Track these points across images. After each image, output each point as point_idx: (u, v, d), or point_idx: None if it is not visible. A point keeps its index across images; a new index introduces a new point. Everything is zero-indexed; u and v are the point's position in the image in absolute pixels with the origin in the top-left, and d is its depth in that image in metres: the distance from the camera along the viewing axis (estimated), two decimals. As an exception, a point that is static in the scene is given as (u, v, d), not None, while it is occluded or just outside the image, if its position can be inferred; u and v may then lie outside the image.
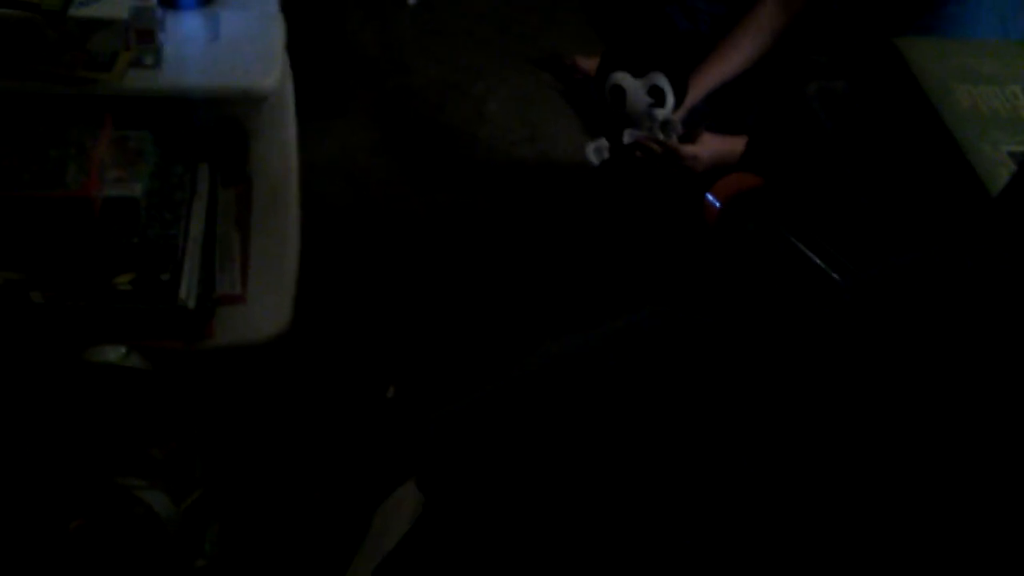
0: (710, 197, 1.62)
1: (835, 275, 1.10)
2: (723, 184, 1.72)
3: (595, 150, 2.03)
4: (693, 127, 2.04)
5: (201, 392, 1.42)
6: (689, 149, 2.00)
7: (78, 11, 1.22)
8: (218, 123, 1.44)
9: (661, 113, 2.08)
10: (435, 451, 0.77)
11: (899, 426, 0.48)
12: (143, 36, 1.30)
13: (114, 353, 1.29)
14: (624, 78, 2.15)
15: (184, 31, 1.37)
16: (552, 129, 2.27)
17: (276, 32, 1.41)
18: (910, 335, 0.50)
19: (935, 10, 1.75)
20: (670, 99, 2.09)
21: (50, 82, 1.28)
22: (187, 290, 1.31)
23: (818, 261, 1.12)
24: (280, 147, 1.55)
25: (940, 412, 0.47)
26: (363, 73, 2.28)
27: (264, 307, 1.42)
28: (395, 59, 2.36)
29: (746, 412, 0.53)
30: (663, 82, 2.09)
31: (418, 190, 2.08)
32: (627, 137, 2.02)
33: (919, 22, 1.77)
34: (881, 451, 0.48)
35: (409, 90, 2.29)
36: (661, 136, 2.00)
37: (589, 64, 2.35)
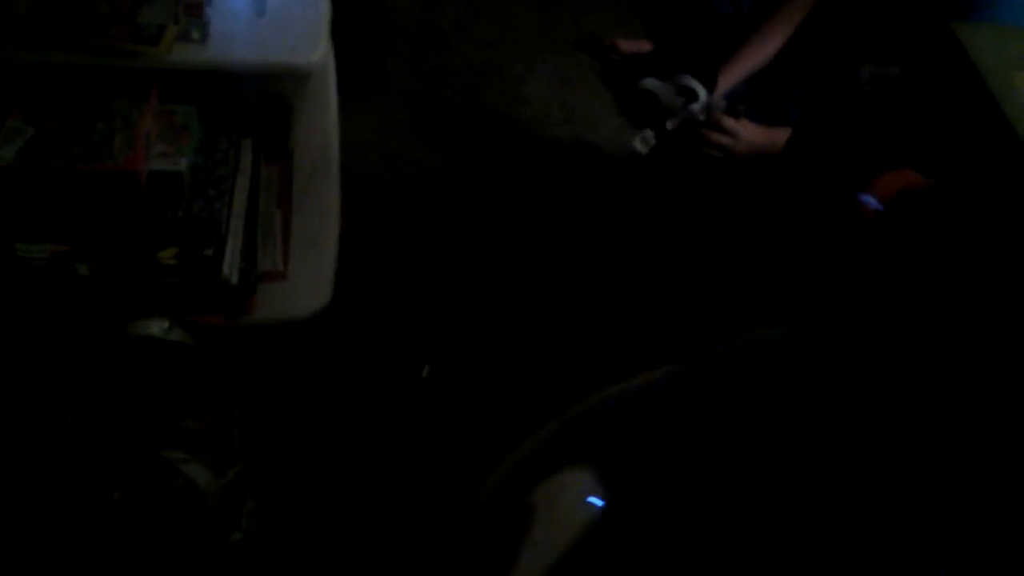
0: (867, 198, 1.58)
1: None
2: (882, 183, 1.68)
3: (642, 140, 2.05)
4: (733, 109, 2.03)
5: (241, 367, 1.42)
6: (730, 122, 1.99)
7: (128, -16, 1.22)
8: (262, 98, 1.44)
9: (696, 106, 2.09)
10: (616, 444, 0.76)
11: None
12: (191, 10, 1.30)
13: (157, 327, 1.29)
14: (652, 83, 2.18)
15: (231, 6, 1.37)
16: (590, 111, 2.26)
17: (322, 8, 1.40)
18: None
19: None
20: (702, 93, 2.10)
21: (99, 55, 1.28)
22: (230, 266, 1.31)
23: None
24: (322, 124, 1.55)
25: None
26: (402, 52, 2.28)
27: (304, 284, 1.42)
28: (434, 38, 2.35)
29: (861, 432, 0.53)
30: (691, 81, 2.10)
31: (455, 170, 2.08)
32: (670, 124, 2.04)
33: (956, 6, 1.75)
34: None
35: (448, 70, 2.28)
36: (702, 118, 2.01)
37: (628, 46, 2.34)
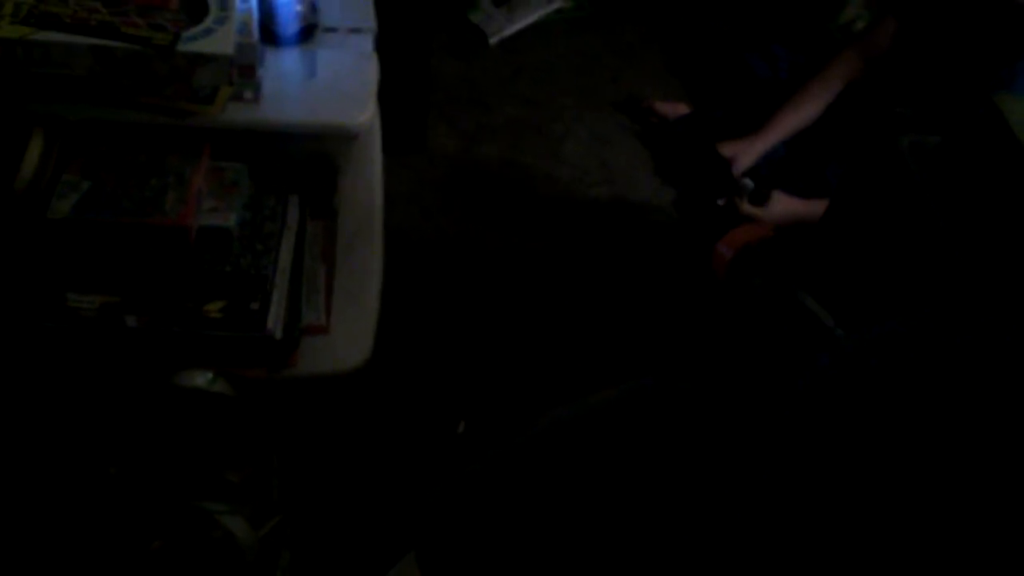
0: (721, 247, 1.59)
1: (839, 331, 1.07)
2: (734, 235, 1.70)
3: (672, 203, 2.07)
4: (766, 185, 2.04)
5: (281, 420, 1.44)
6: (753, 211, 2.00)
7: (187, 46, 1.26)
8: (310, 157, 1.48)
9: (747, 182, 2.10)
10: (432, 527, 0.77)
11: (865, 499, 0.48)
12: (244, 71, 1.34)
13: (202, 378, 1.32)
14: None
15: (283, 68, 1.41)
16: (628, 171, 2.28)
17: (371, 71, 1.44)
18: (888, 408, 0.49)
19: (1011, 64, 1.75)
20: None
21: (155, 113, 1.32)
22: (275, 320, 1.33)
23: (824, 318, 1.10)
24: (366, 182, 1.58)
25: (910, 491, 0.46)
26: (443, 109, 2.32)
27: (346, 339, 1.44)
28: (475, 97, 2.39)
29: (722, 479, 0.53)
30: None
31: (492, 228, 2.10)
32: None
33: (999, 74, 1.76)
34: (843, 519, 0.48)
35: (487, 128, 2.32)
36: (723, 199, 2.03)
37: (667, 108, 2.37)
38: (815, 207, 1.94)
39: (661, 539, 0.55)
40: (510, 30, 2.56)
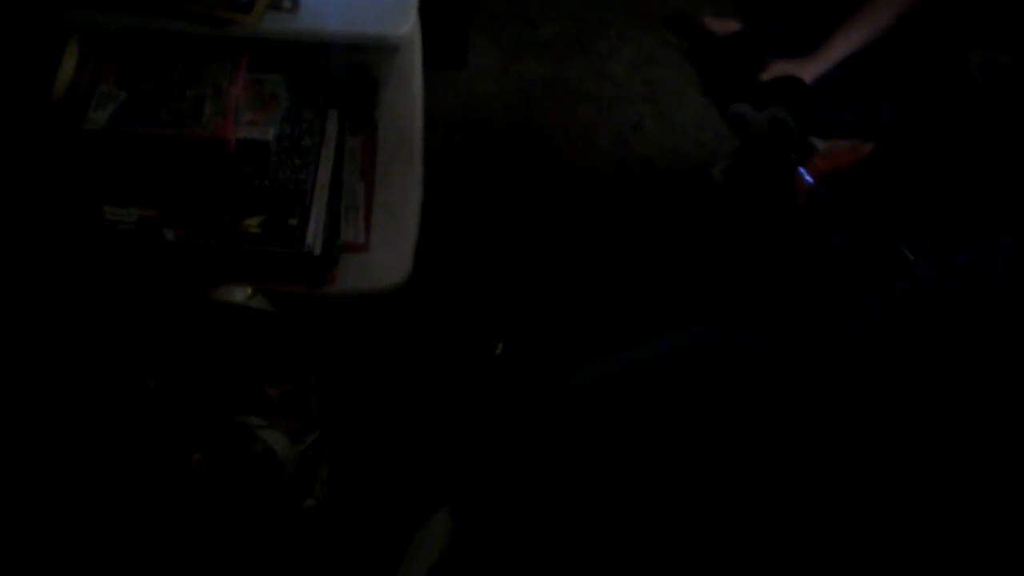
0: (802, 171, 1.52)
1: (922, 267, 1.03)
2: (819, 160, 1.62)
3: (722, 171, 2.00)
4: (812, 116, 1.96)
5: (320, 336, 1.43)
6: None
7: (223, -50, 1.22)
8: (349, 70, 1.44)
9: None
10: (468, 480, 0.75)
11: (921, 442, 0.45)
12: (283, -21, 1.30)
13: (240, 294, 1.31)
14: (745, 108, 2.11)
15: (322, -24, 1.36)
16: (673, 90, 2.21)
17: (412, -20, 1.39)
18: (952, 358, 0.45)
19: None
20: (795, 131, 2.03)
21: (191, 22, 1.28)
22: (313, 236, 1.31)
23: (907, 252, 1.05)
24: (407, 96, 1.54)
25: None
26: (485, 25, 2.26)
27: (385, 256, 1.42)
28: (518, 12, 2.32)
29: (772, 430, 0.51)
30: (784, 115, 2.03)
31: (535, 146, 2.06)
32: (719, 170, 2.00)
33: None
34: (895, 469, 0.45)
35: (532, 44, 2.26)
36: (794, 156, 1.94)
37: (717, 25, 2.28)
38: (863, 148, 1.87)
39: (713, 504, 0.52)
40: (555, -58, 2.47)
